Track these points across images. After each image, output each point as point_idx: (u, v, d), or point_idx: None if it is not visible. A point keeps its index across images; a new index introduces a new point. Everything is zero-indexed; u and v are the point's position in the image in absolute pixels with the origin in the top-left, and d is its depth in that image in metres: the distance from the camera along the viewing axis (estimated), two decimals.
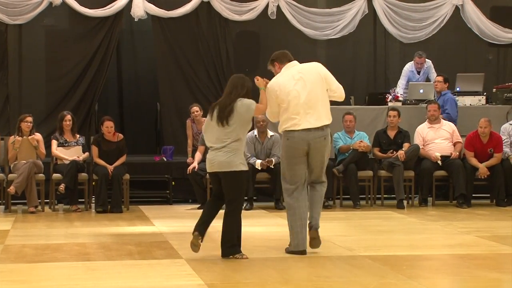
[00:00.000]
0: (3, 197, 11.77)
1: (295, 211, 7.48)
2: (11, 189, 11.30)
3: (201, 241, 7.30)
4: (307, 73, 7.55)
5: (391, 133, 12.30)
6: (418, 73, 13.72)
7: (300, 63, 7.66)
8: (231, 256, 7.27)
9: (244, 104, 7.27)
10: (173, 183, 12.71)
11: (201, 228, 7.33)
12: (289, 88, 7.45)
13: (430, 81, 13.64)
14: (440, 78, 12.89)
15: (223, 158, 7.26)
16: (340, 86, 7.67)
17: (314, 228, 7.54)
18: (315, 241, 7.54)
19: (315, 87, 7.48)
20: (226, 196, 7.35)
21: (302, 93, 7.43)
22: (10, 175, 11.61)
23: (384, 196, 12.33)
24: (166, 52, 14.18)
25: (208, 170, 7.49)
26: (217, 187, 7.46)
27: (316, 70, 7.59)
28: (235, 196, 7.33)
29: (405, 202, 11.92)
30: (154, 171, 12.92)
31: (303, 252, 7.47)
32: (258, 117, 11.38)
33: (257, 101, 7.40)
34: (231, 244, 7.31)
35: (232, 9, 14.16)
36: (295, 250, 7.49)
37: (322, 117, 7.48)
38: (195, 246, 7.27)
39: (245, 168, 7.33)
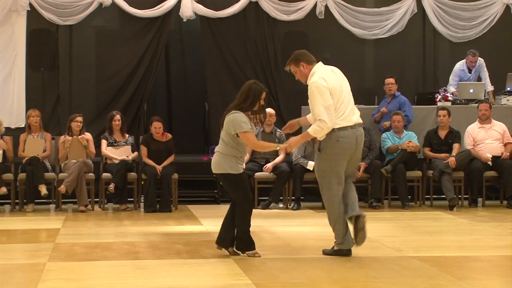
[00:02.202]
0: (54, 196, 11.93)
1: (344, 208, 7.36)
2: (62, 188, 11.44)
3: (229, 250, 7.47)
4: (339, 72, 7.45)
5: (442, 133, 12.18)
6: (470, 71, 13.56)
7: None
8: (245, 254, 7.35)
9: (230, 121, 7.22)
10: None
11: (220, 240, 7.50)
12: (336, 82, 7.27)
13: (481, 80, 13.49)
14: (393, 80, 12.61)
15: (214, 159, 7.40)
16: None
17: (363, 216, 7.27)
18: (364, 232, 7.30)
19: (348, 85, 7.40)
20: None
21: (344, 88, 7.31)
22: (61, 174, 11.76)
23: (433, 196, 12.23)
24: (214, 52, 14.20)
25: None
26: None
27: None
28: (236, 199, 7.39)
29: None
30: (202, 171, 12.90)
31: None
32: None
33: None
34: (241, 242, 7.40)
35: (280, 9, 14.13)
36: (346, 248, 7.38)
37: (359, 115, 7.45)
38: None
39: (233, 171, 7.27)
